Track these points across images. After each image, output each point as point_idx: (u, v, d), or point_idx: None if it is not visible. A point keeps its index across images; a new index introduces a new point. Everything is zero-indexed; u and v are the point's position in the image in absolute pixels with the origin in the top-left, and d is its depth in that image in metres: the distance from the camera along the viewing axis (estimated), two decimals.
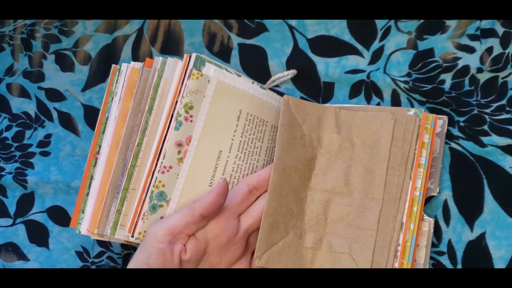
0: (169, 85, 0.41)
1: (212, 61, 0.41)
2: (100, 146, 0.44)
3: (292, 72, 0.46)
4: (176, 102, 0.40)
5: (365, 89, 0.45)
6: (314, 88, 0.46)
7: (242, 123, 0.42)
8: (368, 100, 0.45)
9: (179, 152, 0.39)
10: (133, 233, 0.39)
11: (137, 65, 0.44)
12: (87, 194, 0.43)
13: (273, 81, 0.46)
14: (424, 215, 0.41)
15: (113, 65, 0.46)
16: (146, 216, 0.39)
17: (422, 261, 0.40)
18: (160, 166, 0.39)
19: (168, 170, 0.39)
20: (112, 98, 0.44)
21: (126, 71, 0.44)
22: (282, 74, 0.46)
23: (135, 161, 0.40)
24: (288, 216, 0.40)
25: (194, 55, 0.40)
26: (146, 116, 0.40)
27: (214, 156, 0.40)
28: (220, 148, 0.41)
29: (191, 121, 0.40)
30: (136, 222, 0.39)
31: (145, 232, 0.38)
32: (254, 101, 0.42)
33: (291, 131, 0.41)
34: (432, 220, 0.41)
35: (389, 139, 0.40)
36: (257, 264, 0.38)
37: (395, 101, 0.44)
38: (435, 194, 0.42)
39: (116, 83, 0.45)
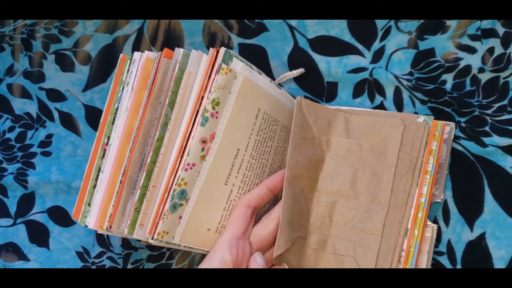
0: (193, 79, 0.39)
1: (239, 57, 0.39)
2: (108, 137, 0.42)
3: (300, 71, 0.46)
4: (203, 97, 0.38)
5: (368, 88, 0.45)
6: (317, 88, 0.46)
7: (259, 122, 0.41)
8: (372, 99, 0.45)
9: (202, 149, 0.38)
10: (153, 235, 0.37)
11: (152, 54, 0.42)
12: (94, 187, 0.42)
13: (280, 80, 0.46)
14: (428, 221, 0.41)
15: (122, 54, 0.45)
16: (166, 216, 0.37)
17: (424, 267, 0.40)
18: (184, 163, 0.38)
19: (191, 168, 0.38)
20: (123, 88, 0.43)
21: (139, 60, 0.42)
22: (291, 73, 0.46)
23: (156, 157, 0.39)
24: (299, 215, 0.40)
25: (223, 49, 0.38)
26: (166, 110, 0.39)
27: (232, 155, 0.40)
28: (238, 146, 0.40)
29: (216, 117, 0.38)
30: (157, 222, 0.37)
31: (164, 232, 0.38)
32: (271, 100, 0.42)
33: (303, 132, 0.40)
34: (435, 226, 0.41)
35: (397, 144, 0.40)
36: (275, 263, 0.38)
37: (398, 99, 0.44)
38: (439, 200, 0.41)
39: (127, 73, 0.43)
